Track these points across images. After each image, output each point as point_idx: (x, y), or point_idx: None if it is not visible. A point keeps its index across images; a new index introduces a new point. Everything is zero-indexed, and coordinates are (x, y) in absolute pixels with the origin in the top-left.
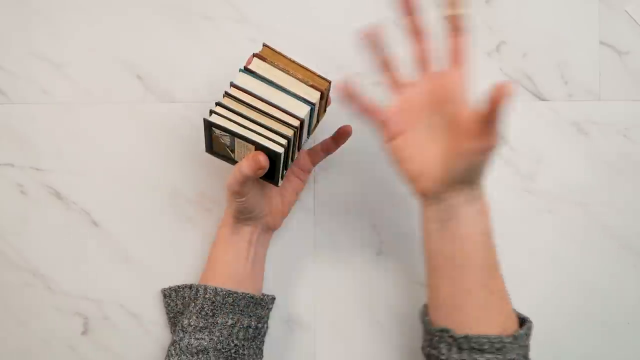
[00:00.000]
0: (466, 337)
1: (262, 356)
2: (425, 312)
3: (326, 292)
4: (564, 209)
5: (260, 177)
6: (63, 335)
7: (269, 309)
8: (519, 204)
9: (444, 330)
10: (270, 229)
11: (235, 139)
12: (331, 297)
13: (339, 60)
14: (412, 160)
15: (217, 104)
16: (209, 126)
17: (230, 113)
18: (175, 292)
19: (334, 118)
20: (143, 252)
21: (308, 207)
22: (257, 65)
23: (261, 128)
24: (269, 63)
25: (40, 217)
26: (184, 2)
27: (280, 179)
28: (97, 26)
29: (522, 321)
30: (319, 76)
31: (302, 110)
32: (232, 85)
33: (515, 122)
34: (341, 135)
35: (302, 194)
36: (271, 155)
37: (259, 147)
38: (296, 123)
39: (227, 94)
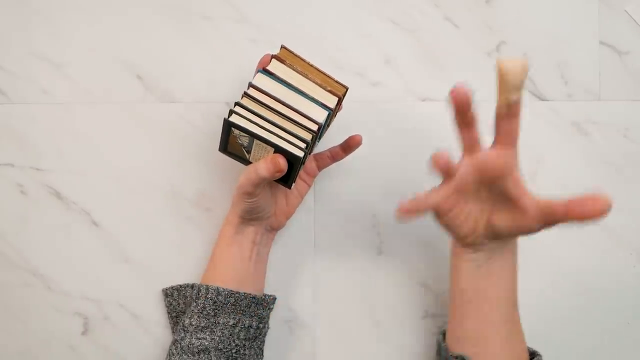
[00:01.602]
0: None
1: (263, 356)
2: (440, 342)
3: (326, 292)
4: None
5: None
6: (63, 335)
7: (270, 309)
8: None
9: (459, 357)
10: (273, 229)
11: (255, 140)
12: (331, 297)
13: (339, 61)
14: (464, 226)
15: (237, 104)
16: (228, 126)
17: (250, 114)
18: (177, 291)
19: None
20: (143, 252)
21: (308, 207)
22: (276, 67)
23: (281, 131)
24: (287, 65)
25: (40, 217)
26: (184, 2)
27: (293, 182)
28: (97, 26)
29: (532, 355)
30: (337, 81)
31: (321, 115)
32: (251, 85)
33: None
34: (350, 145)
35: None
36: (290, 158)
37: (278, 150)
38: (315, 127)
39: (246, 95)
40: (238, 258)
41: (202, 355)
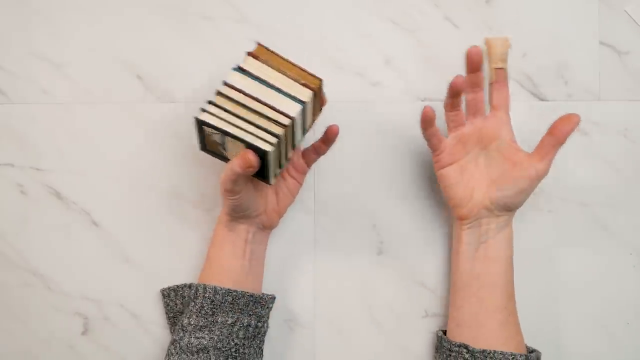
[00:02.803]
0: (484, 352)
1: (262, 356)
2: (440, 334)
3: (326, 292)
4: (564, 209)
5: (253, 175)
6: (63, 335)
7: (269, 308)
8: None
9: (462, 346)
10: (266, 227)
11: (227, 137)
12: (331, 297)
13: (339, 61)
14: (458, 186)
15: (209, 102)
16: (199, 124)
17: (222, 111)
18: (174, 292)
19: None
20: (143, 252)
21: (308, 207)
22: (251, 64)
23: (251, 126)
24: (262, 62)
25: (40, 217)
26: (184, 2)
27: (272, 177)
28: (97, 26)
29: (531, 351)
30: (311, 74)
31: (294, 109)
32: (225, 83)
33: (515, 122)
34: (328, 136)
35: (302, 194)
36: (260, 153)
37: (248, 145)
38: (287, 121)
39: (219, 93)
40: (232, 257)
41: (201, 355)
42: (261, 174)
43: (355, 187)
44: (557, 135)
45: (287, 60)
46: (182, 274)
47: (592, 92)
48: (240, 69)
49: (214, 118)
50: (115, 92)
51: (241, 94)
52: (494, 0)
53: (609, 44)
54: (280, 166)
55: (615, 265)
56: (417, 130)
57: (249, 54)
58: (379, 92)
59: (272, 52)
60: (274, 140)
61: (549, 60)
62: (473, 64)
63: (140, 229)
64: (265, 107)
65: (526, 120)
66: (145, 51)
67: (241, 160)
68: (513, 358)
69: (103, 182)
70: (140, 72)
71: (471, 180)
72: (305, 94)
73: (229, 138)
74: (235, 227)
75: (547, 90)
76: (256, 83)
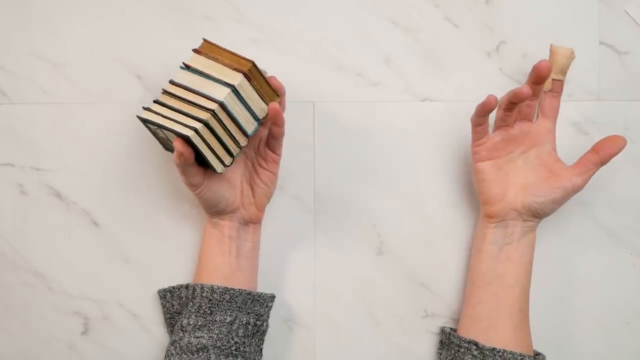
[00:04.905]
0: (493, 350)
1: (262, 355)
2: (448, 330)
3: (326, 292)
4: (564, 209)
5: (200, 164)
6: (63, 335)
7: (269, 307)
8: None
9: (472, 342)
10: (249, 222)
11: (165, 131)
12: (331, 297)
13: (339, 61)
14: (492, 183)
15: (154, 101)
16: (142, 122)
17: (162, 107)
18: (170, 293)
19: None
20: (143, 252)
21: (308, 207)
22: (195, 60)
23: (181, 116)
24: (204, 56)
25: (40, 217)
26: (184, 2)
27: (219, 165)
28: (97, 26)
29: (536, 354)
30: (244, 58)
31: (221, 93)
32: (170, 82)
33: None
34: (271, 115)
35: (302, 194)
36: (185, 139)
37: (176, 134)
38: (213, 106)
39: (164, 91)
40: (218, 253)
41: (201, 354)
42: (202, 162)
43: (355, 187)
44: (602, 155)
45: (226, 50)
46: (182, 274)
47: (592, 92)
48: (186, 66)
49: (153, 114)
50: (115, 92)
51: (181, 89)
52: (494, 0)
53: (609, 44)
54: (230, 154)
55: (615, 265)
56: (418, 130)
57: (194, 50)
58: (379, 92)
59: (216, 46)
60: (197, 124)
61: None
62: (539, 78)
63: (140, 229)
64: (195, 95)
65: None
66: (145, 51)
67: (175, 150)
68: (522, 358)
69: (103, 182)
70: (140, 72)
71: (506, 180)
72: (236, 78)
73: (166, 132)
74: (219, 224)
75: None
76: (196, 76)
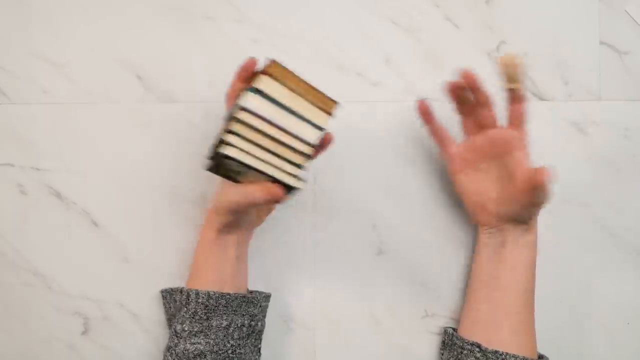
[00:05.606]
0: (496, 353)
1: (260, 354)
2: (451, 332)
3: (326, 292)
4: (564, 209)
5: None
6: (63, 335)
7: (262, 307)
8: None
9: (475, 344)
10: (254, 227)
11: (250, 172)
12: (331, 297)
13: (339, 61)
14: (470, 194)
15: (229, 131)
16: (221, 158)
17: (243, 142)
18: (169, 294)
19: None
20: (143, 252)
21: (308, 208)
22: (266, 84)
23: (275, 158)
24: (277, 82)
25: (40, 217)
26: (184, 2)
27: (297, 182)
28: (97, 26)
29: (540, 357)
30: (328, 98)
31: (314, 136)
32: (243, 108)
33: None
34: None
35: (302, 194)
36: (287, 187)
37: (274, 180)
38: (309, 151)
39: (237, 120)
40: (222, 259)
41: None
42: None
43: (355, 187)
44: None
45: (302, 81)
46: (182, 274)
47: (592, 92)
48: (257, 90)
49: (237, 150)
50: (115, 92)
51: (260, 120)
52: (494, 0)
53: (609, 44)
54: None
55: (615, 265)
56: (418, 130)
57: (264, 72)
58: (379, 92)
59: (286, 70)
60: (297, 171)
61: (549, 60)
62: (468, 85)
63: (140, 229)
64: (286, 134)
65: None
66: (145, 51)
67: (267, 195)
68: None
69: (103, 182)
70: (140, 72)
71: (483, 190)
72: (324, 119)
73: (257, 172)
74: (226, 236)
75: (547, 90)
76: (274, 107)
